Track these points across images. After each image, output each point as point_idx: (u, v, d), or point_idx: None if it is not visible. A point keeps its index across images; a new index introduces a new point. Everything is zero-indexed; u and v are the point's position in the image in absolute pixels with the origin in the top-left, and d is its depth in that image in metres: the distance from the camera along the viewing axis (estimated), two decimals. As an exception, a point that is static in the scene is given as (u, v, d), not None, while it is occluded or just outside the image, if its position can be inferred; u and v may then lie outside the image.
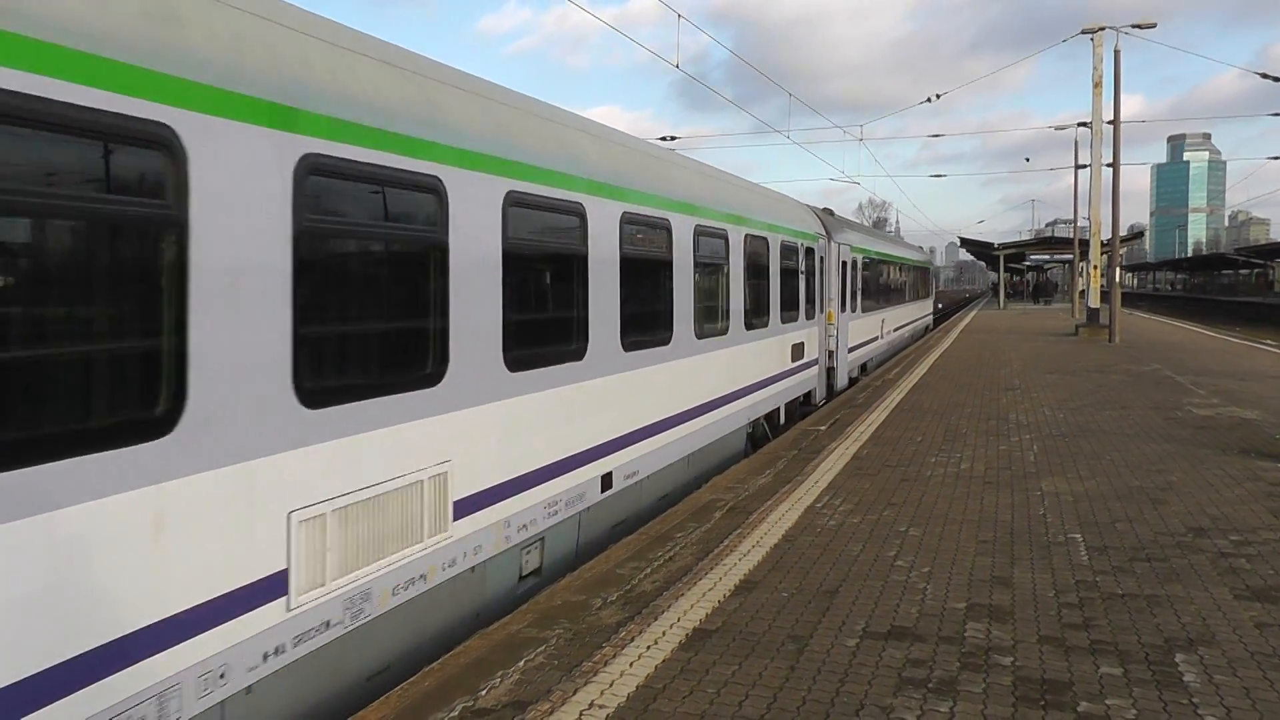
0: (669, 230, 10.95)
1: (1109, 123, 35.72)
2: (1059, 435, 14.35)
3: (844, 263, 22.10)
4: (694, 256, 11.72)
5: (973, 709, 5.28)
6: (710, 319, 12.51)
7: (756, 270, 14.62)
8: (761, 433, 15.43)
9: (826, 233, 20.71)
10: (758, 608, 6.97)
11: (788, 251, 16.67)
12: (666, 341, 10.89)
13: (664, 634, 6.44)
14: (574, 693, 5.55)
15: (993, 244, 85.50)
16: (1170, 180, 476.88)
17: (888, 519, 9.47)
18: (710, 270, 12.53)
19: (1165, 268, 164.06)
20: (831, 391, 20.86)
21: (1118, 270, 35.41)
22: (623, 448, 9.80)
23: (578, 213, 8.76)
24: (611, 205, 9.52)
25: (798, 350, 17.52)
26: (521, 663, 6.02)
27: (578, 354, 8.76)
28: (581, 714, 5.28)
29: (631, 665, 5.93)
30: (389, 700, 5.56)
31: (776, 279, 15.81)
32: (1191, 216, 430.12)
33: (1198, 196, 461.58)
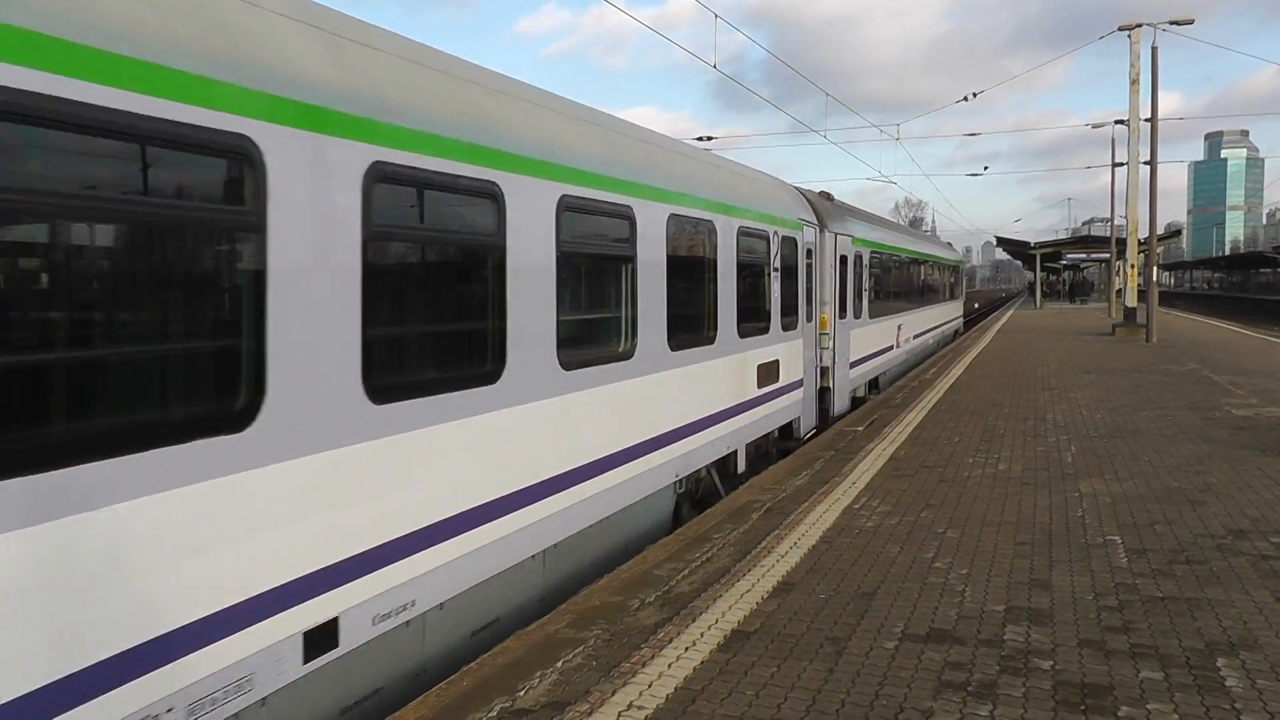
0: (498, 201, 7.04)
1: (1146, 120, 35.41)
2: (1097, 436, 14.24)
3: (843, 258, 18.35)
4: (557, 246, 7.83)
5: (1013, 713, 5.27)
6: (594, 340, 8.83)
7: (692, 266, 10.86)
8: (707, 488, 11.71)
9: (819, 221, 16.95)
10: (796, 609, 6.98)
11: (751, 242, 12.74)
12: (490, 378, 6.96)
13: (702, 635, 6.46)
14: (612, 694, 5.58)
15: (1029, 243, 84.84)
16: (1208, 178, 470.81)
17: (925, 520, 9.45)
18: (594, 267, 8.91)
19: (1202, 266, 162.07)
20: (826, 418, 17.03)
21: (1155, 269, 35.04)
22: (372, 570, 5.76)
23: (245, 152, 4.94)
24: (338, 149, 5.58)
25: (768, 372, 13.52)
26: (559, 663, 6.06)
27: (238, 419, 4.89)
28: (620, 715, 5.31)
29: (670, 666, 5.96)
30: (426, 700, 5.61)
31: (731, 278, 11.88)
32: (1229, 215, 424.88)
33: (1235, 194, 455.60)
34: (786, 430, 14.97)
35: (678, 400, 10.34)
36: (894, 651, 6.17)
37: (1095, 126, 59.08)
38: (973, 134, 57.89)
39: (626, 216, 9.14)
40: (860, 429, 15.37)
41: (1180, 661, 5.94)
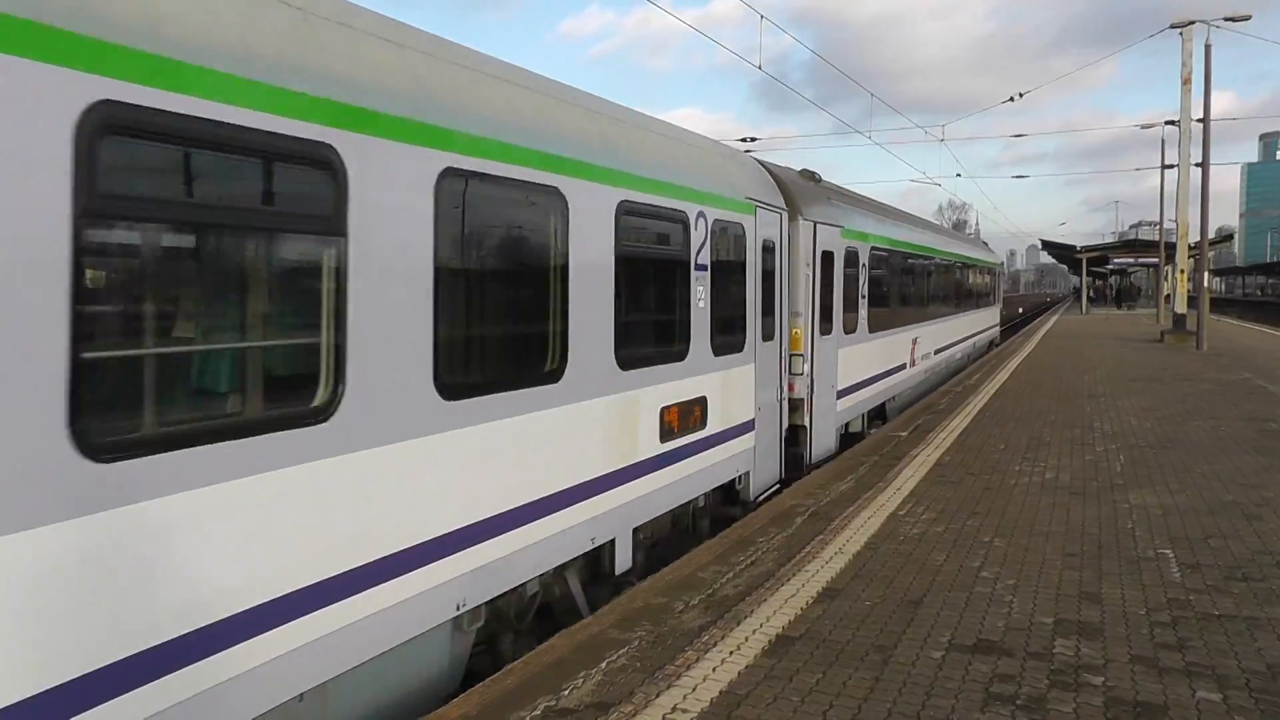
0: None
1: (1198, 120, 34.81)
2: (1146, 445, 14.01)
3: (827, 254, 14.12)
4: (72, 206, 3.86)
5: (1064, 729, 5.18)
6: (213, 393, 4.78)
7: (507, 261, 7.04)
8: (561, 602, 7.95)
9: (790, 205, 12.80)
10: (841, 616, 6.92)
11: (647, 226, 8.87)
12: None
13: (747, 639, 6.42)
14: (656, 696, 5.56)
15: (1075, 246, 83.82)
16: (1262, 180, 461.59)
17: (971, 529, 9.33)
18: (241, 260, 4.86)
19: (1256, 272, 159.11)
20: (801, 465, 12.92)
21: (1205, 274, 34.43)
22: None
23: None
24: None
25: (685, 415, 9.51)
26: (604, 664, 6.05)
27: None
28: (664, 717, 5.29)
29: (714, 670, 5.92)
30: (470, 697, 5.62)
31: (601, 280, 7.94)
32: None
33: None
34: (729, 491, 11.10)
35: (465, 480, 6.35)
36: (941, 661, 6.09)
37: (1145, 127, 58.10)
38: (1019, 135, 57.33)
39: (324, 165, 5.15)
40: (904, 435, 15.23)
41: (1239, 683, 5.79)
